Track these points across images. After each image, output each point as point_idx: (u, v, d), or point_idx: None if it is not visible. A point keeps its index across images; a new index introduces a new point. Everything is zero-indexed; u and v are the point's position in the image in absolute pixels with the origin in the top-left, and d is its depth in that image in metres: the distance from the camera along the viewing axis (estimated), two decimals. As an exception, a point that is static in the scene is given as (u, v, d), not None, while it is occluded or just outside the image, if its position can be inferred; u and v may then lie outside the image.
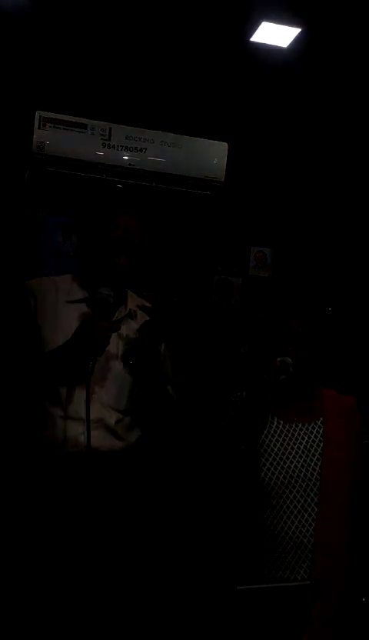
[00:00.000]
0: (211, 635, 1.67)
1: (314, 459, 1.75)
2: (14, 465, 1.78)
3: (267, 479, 1.72)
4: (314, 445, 1.77)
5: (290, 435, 1.78)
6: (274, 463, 1.74)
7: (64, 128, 3.90)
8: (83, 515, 1.71)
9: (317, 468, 1.74)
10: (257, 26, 3.69)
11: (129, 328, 1.86)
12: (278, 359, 1.70)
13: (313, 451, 1.76)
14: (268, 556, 1.70)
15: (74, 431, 1.72)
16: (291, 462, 1.74)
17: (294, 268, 4.27)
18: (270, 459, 1.75)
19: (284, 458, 1.75)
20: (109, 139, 3.99)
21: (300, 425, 1.80)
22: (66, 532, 1.70)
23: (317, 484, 1.73)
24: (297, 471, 1.74)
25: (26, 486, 1.76)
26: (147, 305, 1.94)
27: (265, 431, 1.78)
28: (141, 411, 1.85)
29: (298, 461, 1.74)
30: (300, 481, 1.73)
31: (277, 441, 1.77)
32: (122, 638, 1.79)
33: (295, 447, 1.77)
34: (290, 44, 3.82)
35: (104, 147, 3.99)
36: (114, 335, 1.77)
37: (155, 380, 1.84)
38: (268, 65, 3.97)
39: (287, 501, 1.72)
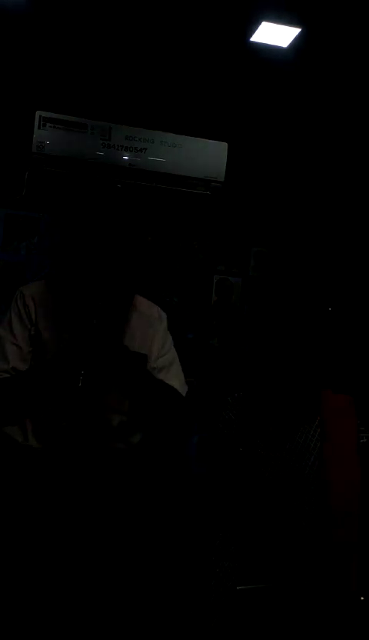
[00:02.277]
0: (211, 635, 1.67)
1: (312, 459, 1.76)
2: (13, 466, 1.78)
3: (265, 480, 1.72)
4: (312, 445, 1.77)
5: (288, 436, 1.78)
6: (273, 463, 1.74)
7: (64, 128, 3.90)
8: (84, 516, 1.71)
9: (315, 468, 1.74)
10: (257, 26, 3.68)
11: (131, 331, 1.86)
12: (277, 360, 1.71)
13: (311, 451, 1.77)
14: (268, 556, 1.71)
15: (71, 431, 1.72)
16: (289, 462, 1.74)
17: (294, 268, 4.27)
18: (269, 460, 1.75)
19: (282, 458, 1.75)
20: (109, 139, 3.99)
21: (298, 426, 1.80)
22: (65, 534, 1.70)
23: (315, 483, 1.73)
24: (295, 471, 1.74)
25: (26, 487, 1.76)
26: (151, 308, 1.93)
27: (264, 432, 1.78)
28: (144, 413, 1.84)
29: (296, 462, 1.75)
30: (298, 481, 1.73)
31: (275, 441, 1.77)
32: (122, 638, 1.80)
33: (293, 447, 1.77)
34: (290, 44, 3.82)
35: (104, 147, 3.99)
36: (117, 337, 1.76)
37: (139, 383, 1.81)
38: (268, 64, 3.97)
39: (286, 502, 1.72)
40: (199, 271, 4.16)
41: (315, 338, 1.78)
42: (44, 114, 3.88)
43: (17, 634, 1.68)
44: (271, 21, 3.64)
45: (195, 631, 1.99)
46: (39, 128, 3.86)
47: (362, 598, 1.33)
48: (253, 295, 4.25)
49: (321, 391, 1.86)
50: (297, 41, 3.79)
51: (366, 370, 3.59)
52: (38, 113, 3.86)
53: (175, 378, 1.89)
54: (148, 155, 4.04)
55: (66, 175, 3.87)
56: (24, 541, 1.73)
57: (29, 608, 1.69)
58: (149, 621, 2.24)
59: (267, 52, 3.88)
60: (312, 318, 1.79)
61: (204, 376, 3.77)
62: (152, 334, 1.88)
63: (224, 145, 4.15)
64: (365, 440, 1.81)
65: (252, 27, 3.71)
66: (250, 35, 3.77)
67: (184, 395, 1.90)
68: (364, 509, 1.77)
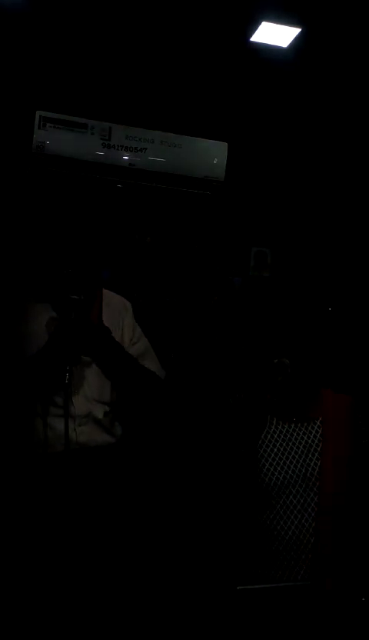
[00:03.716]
0: (211, 635, 1.67)
1: (313, 459, 1.76)
2: (5, 465, 1.77)
3: (266, 480, 1.73)
4: (313, 445, 1.77)
5: (289, 436, 1.78)
6: (274, 463, 1.74)
7: (64, 128, 3.91)
8: (78, 512, 1.71)
9: (317, 468, 1.74)
10: (257, 26, 3.69)
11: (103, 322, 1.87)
12: (275, 360, 1.71)
13: (312, 450, 1.77)
14: (268, 556, 1.71)
15: (61, 428, 1.71)
16: (291, 462, 1.74)
17: (294, 268, 4.27)
18: (270, 460, 1.75)
19: (284, 458, 1.75)
20: (109, 139, 4.00)
21: (299, 425, 1.80)
22: (58, 532, 1.69)
23: (317, 483, 1.73)
24: (296, 471, 1.74)
25: (18, 486, 1.75)
26: (117, 298, 1.94)
27: (264, 432, 1.78)
28: (128, 402, 1.85)
29: (297, 461, 1.75)
30: (299, 481, 1.73)
31: (276, 441, 1.77)
32: (122, 638, 1.80)
33: (294, 447, 1.77)
34: (290, 44, 3.83)
35: (104, 147, 3.99)
36: (99, 325, 1.77)
37: (122, 363, 1.82)
38: (268, 64, 3.98)
39: (287, 501, 1.72)
40: (199, 271, 4.16)
41: (315, 338, 1.78)
42: (44, 114, 3.88)
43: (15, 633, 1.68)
44: (271, 21, 3.65)
45: (196, 631, 1.99)
46: (39, 128, 3.86)
47: (364, 599, 1.33)
48: (253, 294, 4.25)
49: (322, 391, 1.86)
50: (297, 41, 3.79)
51: (366, 370, 3.60)
52: (38, 113, 3.86)
53: (152, 363, 1.92)
54: (148, 155, 4.04)
55: (66, 174, 3.87)
56: (17, 537, 1.72)
57: (20, 604, 1.68)
58: (149, 621, 2.24)
59: (267, 52, 3.89)
60: (312, 318, 1.79)
61: (204, 377, 3.77)
62: (121, 322, 1.90)
63: (224, 145, 4.15)
64: (366, 440, 1.80)
65: (252, 27, 3.71)
66: (251, 35, 3.78)
67: (162, 378, 1.92)
68: (364, 510, 1.77)
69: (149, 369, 1.89)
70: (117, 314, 1.90)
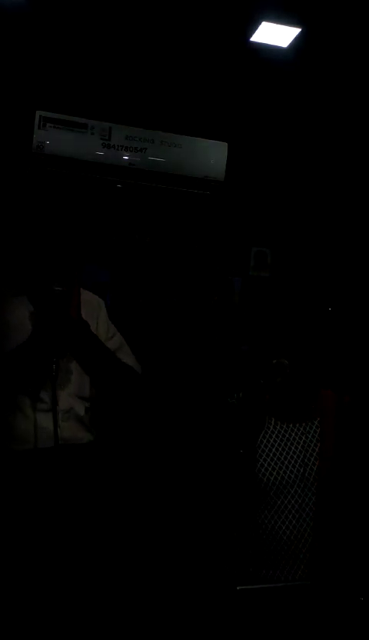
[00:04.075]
0: (211, 635, 1.67)
1: (312, 459, 1.76)
2: None
3: (265, 479, 1.73)
4: (312, 445, 1.77)
5: (287, 436, 1.79)
6: (272, 463, 1.75)
7: (64, 128, 3.91)
8: (69, 511, 1.69)
9: (315, 468, 1.75)
10: (257, 26, 3.69)
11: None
12: (274, 361, 1.71)
13: (310, 450, 1.77)
14: (267, 556, 1.71)
15: (47, 423, 1.71)
16: (289, 462, 1.75)
17: (294, 268, 4.27)
18: (268, 459, 1.75)
19: (282, 458, 1.75)
20: (109, 139, 4.00)
21: (297, 426, 1.80)
22: (46, 531, 1.68)
23: (315, 483, 1.73)
24: (294, 471, 1.74)
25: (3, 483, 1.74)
26: (91, 295, 1.95)
27: (263, 432, 1.78)
28: (107, 397, 1.85)
29: (296, 461, 1.75)
30: (297, 481, 1.73)
31: (274, 441, 1.78)
32: (122, 638, 1.79)
33: (293, 447, 1.77)
34: (290, 44, 3.83)
35: (104, 147, 3.99)
36: (80, 319, 1.78)
37: (101, 358, 1.83)
38: (268, 64, 3.98)
39: (286, 501, 1.72)
40: (199, 271, 4.16)
41: (315, 339, 1.78)
42: (44, 114, 3.88)
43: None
44: (271, 21, 3.65)
45: (196, 631, 1.99)
46: (39, 128, 3.86)
47: (362, 599, 1.33)
48: (253, 294, 4.25)
49: (321, 392, 1.86)
50: (297, 41, 3.79)
51: (366, 370, 3.60)
52: (38, 113, 3.86)
53: (128, 357, 1.94)
54: (148, 154, 4.05)
55: (66, 174, 3.88)
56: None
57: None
58: (149, 621, 2.24)
59: (267, 52, 3.89)
60: (312, 318, 1.79)
61: (204, 376, 3.77)
62: (96, 318, 1.91)
63: (224, 145, 4.15)
64: (365, 440, 1.81)
65: (252, 27, 3.71)
66: (251, 35, 3.78)
67: (139, 372, 1.93)
68: (363, 510, 1.77)
69: (127, 364, 1.90)
70: (92, 310, 1.91)
